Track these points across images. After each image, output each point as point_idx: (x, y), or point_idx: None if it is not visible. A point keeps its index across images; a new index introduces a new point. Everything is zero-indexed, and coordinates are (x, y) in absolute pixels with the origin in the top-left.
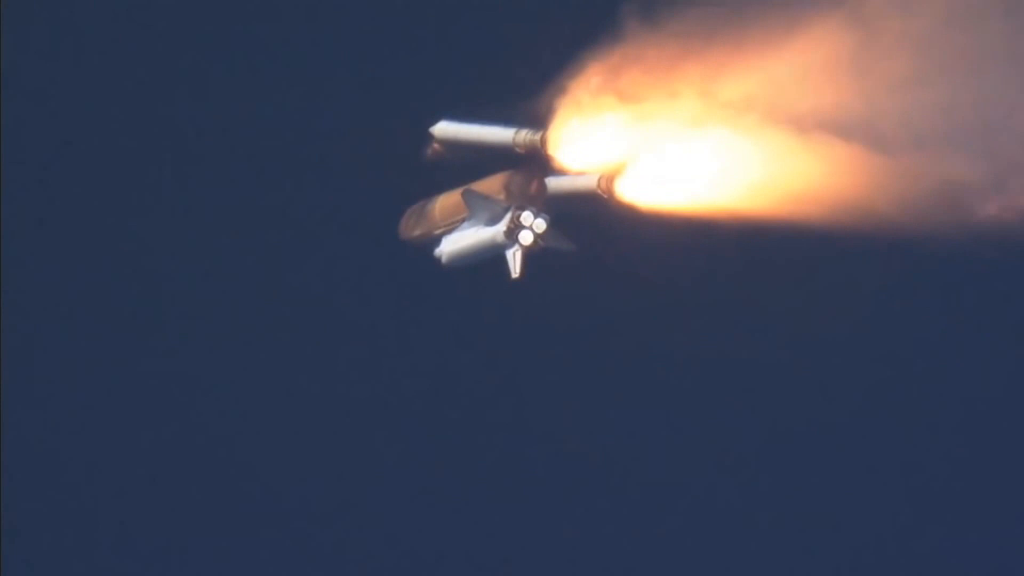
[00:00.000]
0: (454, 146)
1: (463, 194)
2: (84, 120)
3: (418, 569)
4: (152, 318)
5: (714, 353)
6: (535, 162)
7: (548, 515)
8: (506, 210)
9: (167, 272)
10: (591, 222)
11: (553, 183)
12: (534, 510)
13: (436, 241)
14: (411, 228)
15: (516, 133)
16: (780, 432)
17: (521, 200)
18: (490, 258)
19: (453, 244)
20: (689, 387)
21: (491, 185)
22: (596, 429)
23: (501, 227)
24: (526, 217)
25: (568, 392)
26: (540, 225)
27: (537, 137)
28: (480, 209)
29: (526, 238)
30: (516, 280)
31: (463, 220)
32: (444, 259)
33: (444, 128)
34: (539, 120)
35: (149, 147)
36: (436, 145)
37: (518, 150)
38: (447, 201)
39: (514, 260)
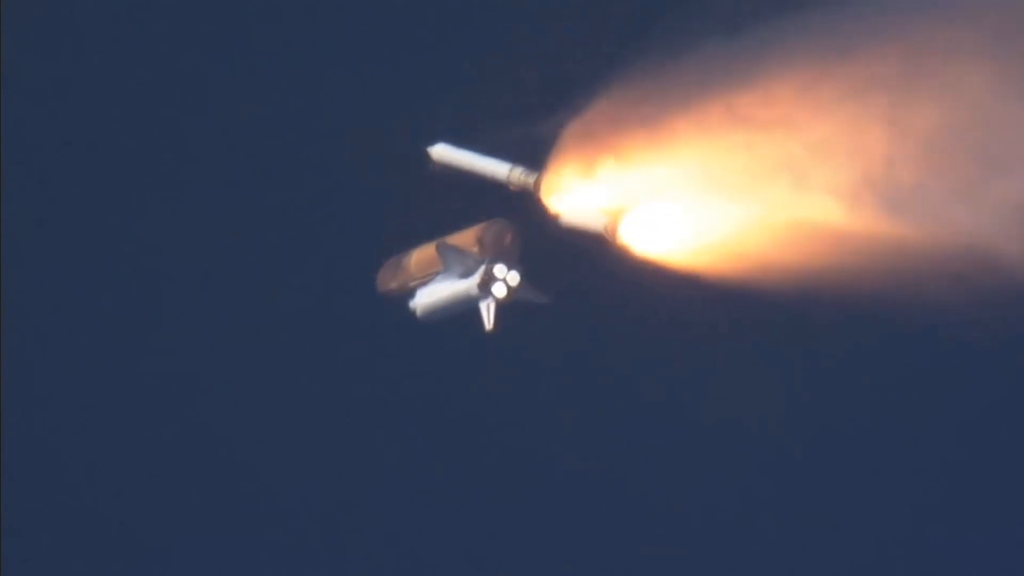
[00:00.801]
0: (449, 169)
1: (437, 247)
2: (84, 120)
3: None
4: (152, 318)
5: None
6: (519, 209)
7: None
8: (479, 263)
9: (167, 272)
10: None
11: (566, 217)
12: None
13: (412, 293)
14: (387, 281)
15: (511, 170)
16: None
17: (495, 253)
18: (464, 311)
19: (428, 297)
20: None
21: (465, 238)
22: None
23: (475, 280)
24: (499, 270)
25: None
26: (513, 278)
27: (531, 180)
28: (454, 262)
29: (499, 291)
30: (490, 332)
31: (438, 273)
32: (419, 312)
33: (441, 151)
34: (539, 154)
35: (149, 147)
36: (434, 166)
37: (511, 187)
38: (423, 254)
39: (488, 312)
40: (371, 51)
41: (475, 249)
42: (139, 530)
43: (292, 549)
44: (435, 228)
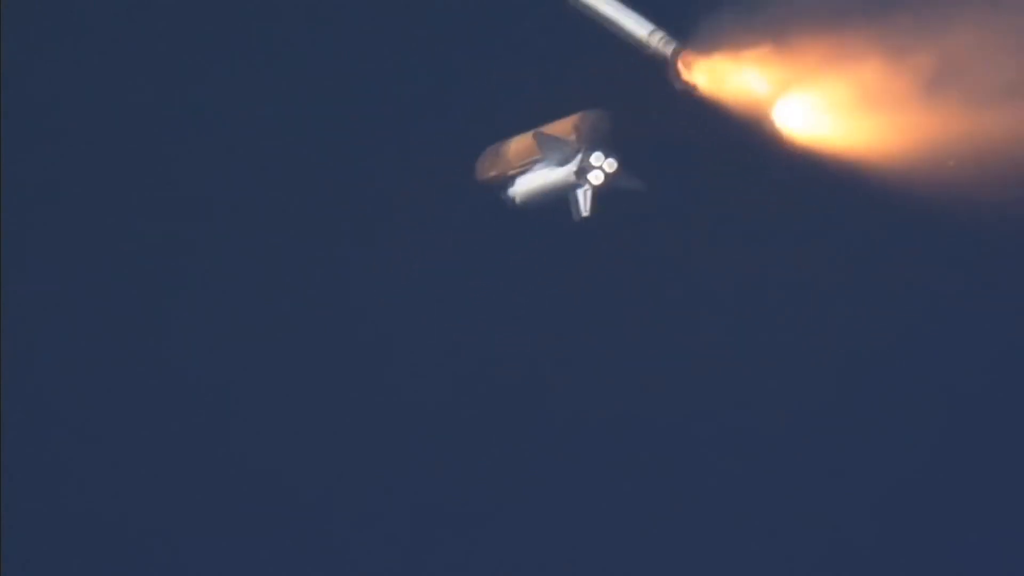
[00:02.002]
0: (588, 10)
1: (534, 136)
2: (85, 120)
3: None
4: (152, 319)
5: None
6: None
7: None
8: (577, 151)
9: (168, 273)
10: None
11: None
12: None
13: (510, 181)
14: (486, 170)
15: (652, 33)
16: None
17: (592, 141)
18: (562, 197)
19: (526, 185)
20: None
21: (562, 127)
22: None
23: (572, 167)
24: (596, 157)
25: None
26: (611, 165)
27: (669, 49)
28: (551, 150)
29: (596, 178)
30: (584, 219)
31: (536, 161)
32: (517, 199)
33: None
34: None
35: (150, 147)
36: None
37: (647, 51)
38: (520, 143)
39: (584, 199)
40: None
41: (572, 137)
42: (139, 530)
43: (293, 549)
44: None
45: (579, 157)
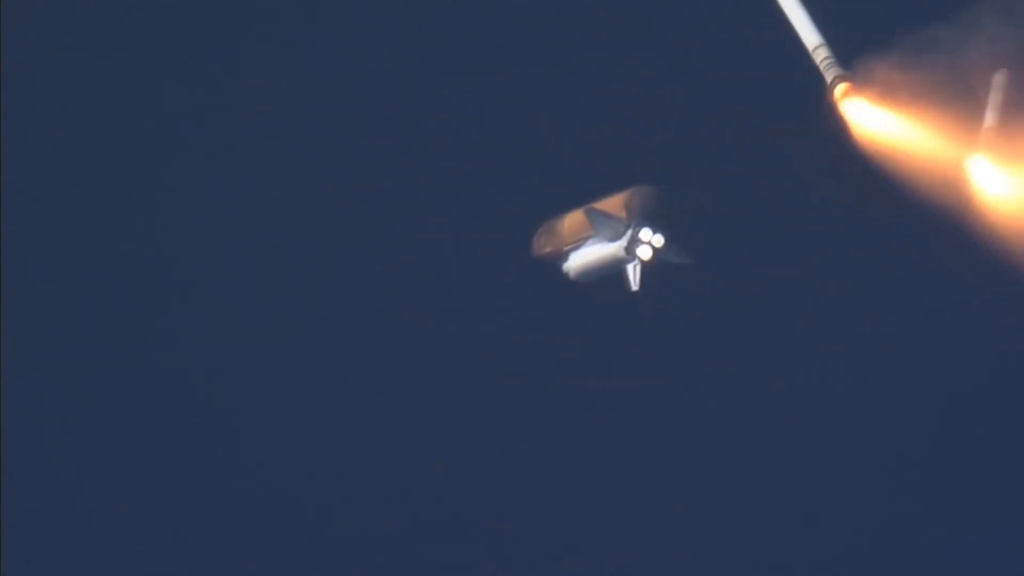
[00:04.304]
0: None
1: (586, 212)
2: (85, 120)
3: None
4: (152, 319)
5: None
6: None
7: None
8: (627, 227)
9: (167, 273)
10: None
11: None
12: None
13: (565, 256)
14: (542, 245)
15: (819, 48)
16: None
17: (640, 217)
18: (615, 271)
19: (580, 259)
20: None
21: (613, 204)
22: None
23: (622, 243)
24: (645, 233)
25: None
26: (658, 240)
27: (830, 75)
28: (603, 226)
29: (645, 252)
30: (635, 293)
31: (589, 237)
32: (572, 274)
33: None
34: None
35: (150, 147)
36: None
37: (813, 60)
38: (574, 220)
39: (634, 273)
40: None
41: (623, 214)
42: (139, 530)
43: (292, 550)
44: None
45: (629, 233)
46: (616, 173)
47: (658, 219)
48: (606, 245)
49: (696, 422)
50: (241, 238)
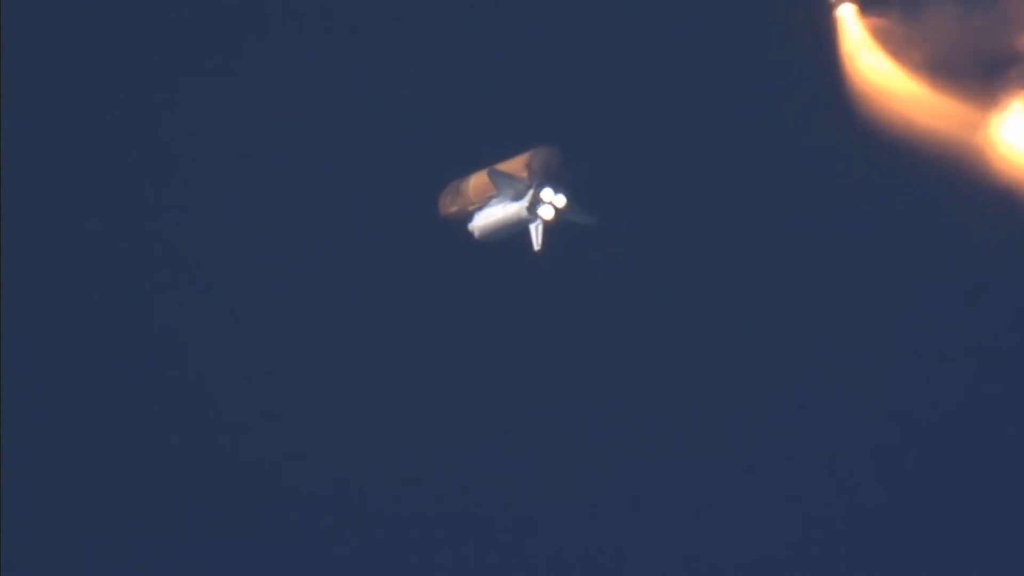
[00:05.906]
0: None
1: (488, 173)
2: (85, 120)
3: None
4: (152, 320)
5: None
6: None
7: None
8: (528, 187)
9: (167, 273)
10: None
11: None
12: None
13: (471, 216)
14: (448, 205)
15: None
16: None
17: (542, 177)
18: (519, 231)
19: (484, 219)
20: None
21: (515, 164)
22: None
23: (524, 203)
24: (546, 193)
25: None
26: (560, 200)
27: None
28: (505, 186)
29: (547, 212)
30: (538, 251)
31: (493, 197)
32: (477, 233)
33: None
34: None
35: (151, 148)
36: None
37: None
38: (478, 180)
39: (536, 233)
40: None
41: (524, 174)
42: (139, 530)
43: (293, 549)
44: None
45: (531, 193)
46: (523, 134)
47: (560, 179)
48: (509, 205)
49: (592, 379)
50: (241, 238)
